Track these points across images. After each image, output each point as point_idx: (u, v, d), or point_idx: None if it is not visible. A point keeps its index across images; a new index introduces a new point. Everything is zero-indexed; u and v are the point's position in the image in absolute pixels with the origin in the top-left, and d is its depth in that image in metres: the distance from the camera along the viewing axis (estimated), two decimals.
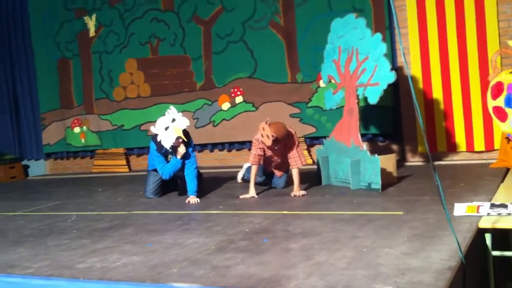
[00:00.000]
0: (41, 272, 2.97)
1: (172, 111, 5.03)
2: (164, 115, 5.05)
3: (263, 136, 4.74)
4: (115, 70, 8.19)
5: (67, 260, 3.17)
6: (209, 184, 5.75)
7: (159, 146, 5.05)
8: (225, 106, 7.53)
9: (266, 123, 4.73)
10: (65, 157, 8.90)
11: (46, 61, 8.66)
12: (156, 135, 5.01)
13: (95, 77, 8.36)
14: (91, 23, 8.33)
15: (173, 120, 4.95)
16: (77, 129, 8.55)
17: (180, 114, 5.04)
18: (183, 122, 4.98)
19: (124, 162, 8.32)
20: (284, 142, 4.92)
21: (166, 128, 4.92)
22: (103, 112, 8.31)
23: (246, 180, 5.62)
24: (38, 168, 9.10)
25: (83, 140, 8.52)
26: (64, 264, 3.10)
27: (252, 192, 4.95)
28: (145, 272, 2.80)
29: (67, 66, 8.56)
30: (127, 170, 8.30)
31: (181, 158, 5.08)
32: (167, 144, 4.95)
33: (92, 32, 8.32)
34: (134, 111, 8.09)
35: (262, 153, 5.00)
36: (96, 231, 3.98)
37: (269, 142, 4.72)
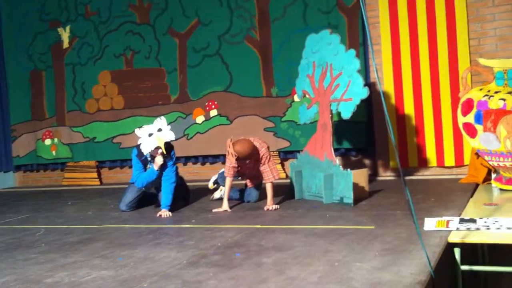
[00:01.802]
0: (8, 286, 2.90)
1: (161, 121, 5.03)
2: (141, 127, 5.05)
3: (228, 153, 4.80)
4: (88, 82, 8.10)
5: (35, 275, 3.10)
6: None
7: (140, 152, 5.05)
8: (199, 119, 7.51)
9: (230, 141, 4.77)
10: (35, 169, 8.74)
11: (19, 72, 8.52)
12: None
13: (68, 89, 8.26)
14: (65, 34, 8.24)
15: (159, 130, 4.96)
16: (48, 141, 8.41)
17: (169, 126, 5.03)
18: (168, 134, 4.99)
19: (95, 175, 8.21)
20: (255, 157, 4.94)
21: (150, 135, 4.93)
22: (75, 124, 8.21)
23: (217, 183, 5.63)
24: (7, 180, 8.91)
25: (54, 152, 8.38)
26: (32, 278, 3.03)
27: (225, 206, 4.94)
28: (115, 287, 2.76)
29: (40, 77, 8.44)
30: (98, 183, 8.18)
31: (157, 170, 5.05)
32: (145, 149, 4.95)
33: (66, 44, 8.25)
34: (107, 123, 8.01)
35: (237, 165, 5.01)
36: (65, 245, 3.91)
37: (233, 160, 4.81)
